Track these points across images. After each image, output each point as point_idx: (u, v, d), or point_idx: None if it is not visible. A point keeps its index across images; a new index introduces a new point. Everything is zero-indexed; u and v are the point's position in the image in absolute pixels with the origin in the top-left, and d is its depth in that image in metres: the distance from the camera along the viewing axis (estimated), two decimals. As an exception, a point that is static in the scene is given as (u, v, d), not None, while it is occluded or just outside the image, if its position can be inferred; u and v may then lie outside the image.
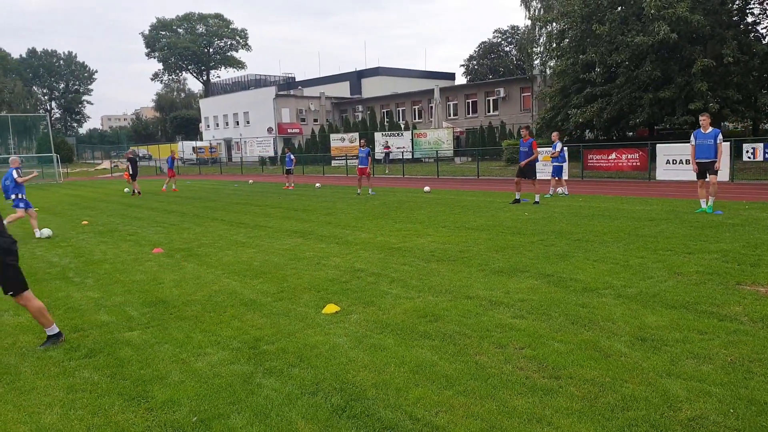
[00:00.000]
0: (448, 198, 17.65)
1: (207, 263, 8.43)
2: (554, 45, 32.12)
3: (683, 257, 7.45)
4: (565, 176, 18.64)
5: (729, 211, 11.72)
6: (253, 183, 31.03)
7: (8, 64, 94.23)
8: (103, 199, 22.48)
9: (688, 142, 12.52)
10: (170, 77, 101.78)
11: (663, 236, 9.06)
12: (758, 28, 27.93)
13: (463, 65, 72.17)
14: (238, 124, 65.65)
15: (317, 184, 26.14)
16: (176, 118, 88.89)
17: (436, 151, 37.78)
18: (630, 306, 5.42)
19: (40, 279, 7.76)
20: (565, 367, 4.08)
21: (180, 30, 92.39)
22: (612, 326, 4.88)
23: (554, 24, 31.82)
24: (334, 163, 44.57)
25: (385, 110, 57.58)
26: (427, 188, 21.18)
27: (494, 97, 48.89)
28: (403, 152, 40.53)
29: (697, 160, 11.90)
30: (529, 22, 41.37)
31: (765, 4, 27.04)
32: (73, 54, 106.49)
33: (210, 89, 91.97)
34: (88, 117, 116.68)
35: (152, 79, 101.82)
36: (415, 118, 54.66)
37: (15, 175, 12.00)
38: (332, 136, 47.87)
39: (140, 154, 68.43)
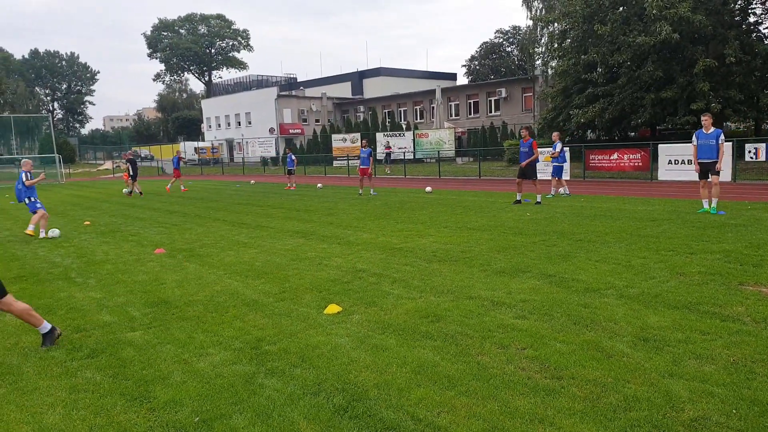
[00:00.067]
0: (450, 198, 17.65)
1: (209, 264, 8.43)
2: (556, 45, 32.10)
3: (685, 257, 7.44)
4: (566, 176, 18.63)
5: (731, 211, 11.70)
6: (254, 183, 31.05)
7: (11, 65, 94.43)
8: (105, 200, 22.51)
9: (690, 143, 12.50)
10: (172, 78, 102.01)
11: (665, 236, 9.05)
12: (760, 28, 27.89)
13: (464, 65, 72.18)
14: (239, 125, 65.69)
15: (319, 185, 26.15)
16: (178, 119, 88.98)
17: (438, 152, 37.79)
18: (632, 306, 5.41)
19: (42, 279, 7.77)
20: (567, 367, 4.07)
21: (182, 30, 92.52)
22: (614, 327, 4.88)
23: (556, 24, 31.81)
24: (335, 163, 44.59)
25: (386, 110, 57.60)
26: (428, 189, 21.18)
27: (496, 98, 48.87)
28: (404, 152, 40.54)
29: (699, 161, 11.88)
30: (530, 23, 41.42)
31: (767, 4, 27.01)
32: (76, 55, 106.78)
33: (212, 90, 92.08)
34: (90, 118, 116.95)
35: (154, 80, 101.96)
36: (416, 119, 54.66)
37: (24, 178, 12.08)
38: (334, 136, 47.90)
39: (142, 155, 68.60)
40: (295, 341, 4.87)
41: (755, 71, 26.25)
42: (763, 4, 27.10)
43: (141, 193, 23.75)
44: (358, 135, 44.37)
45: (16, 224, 14.81)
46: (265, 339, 4.95)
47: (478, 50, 70.45)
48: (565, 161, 18.09)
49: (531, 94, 46.19)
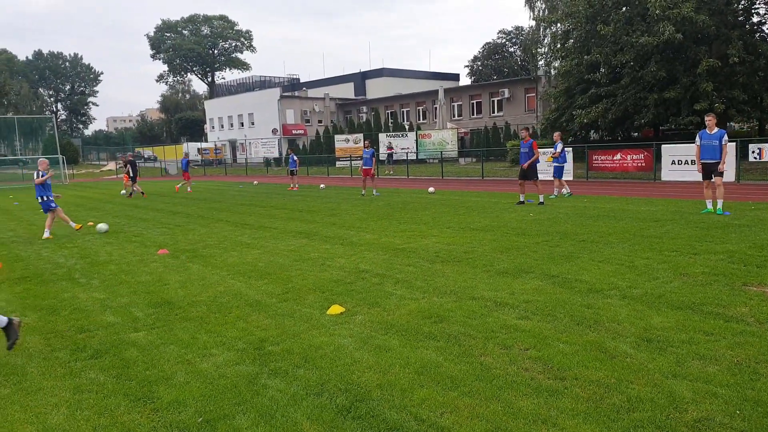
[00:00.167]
0: (453, 199, 17.64)
1: (212, 264, 8.45)
2: (559, 45, 32.08)
3: (689, 258, 7.42)
4: (568, 177, 18.60)
5: (735, 211, 11.67)
6: (257, 184, 31.09)
7: (15, 66, 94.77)
8: (109, 201, 22.56)
9: (694, 143, 12.47)
10: (175, 79, 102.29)
11: (668, 237, 9.04)
12: (764, 28, 27.85)
13: (467, 66, 72.32)
14: (242, 126, 65.81)
15: (322, 185, 26.17)
16: (181, 120, 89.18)
17: (441, 152, 37.78)
18: (635, 307, 5.40)
19: (46, 280, 7.79)
20: (571, 368, 4.07)
21: (185, 32, 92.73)
22: (617, 327, 4.87)
23: (559, 24, 31.78)
24: (338, 164, 44.62)
25: (389, 111, 57.61)
26: (431, 189, 21.18)
27: (499, 98, 48.86)
28: (407, 153, 40.55)
29: (702, 161, 11.84)
30: (533, 23, 41.34)
31: (770, 4, 26.97)
32: (79, 56, 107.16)
33: (215, 90, 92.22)
34: (94, 118, 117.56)
35: (157, 81, 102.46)
36: (419, 119, 54.67)
37: (34, 176, 12.15)
38: (337, 137, 47.96)
39: (145, 156, 68.74)
40: (298, 342, 4.87)
41: (759, 71, 26.20)
42: (766, 4, 27.05)
43: (143, 193, 23.83)
44: (360, 136, 44.39)
45: (20, 225, 14.86)
46: (268, 339, 4.95)
47: (480, 51, 70.54)
48: (565, 161, 18.06)
49: (534, 94, 46.15)
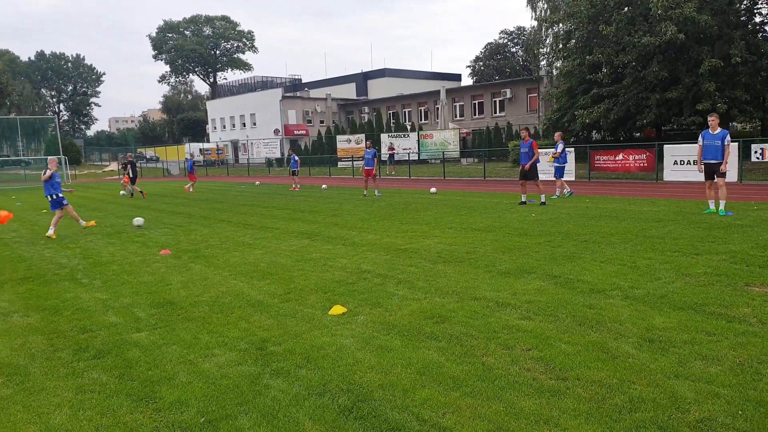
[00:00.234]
0: (455, 199, 17.64)
1: (214, 264, 8.46)
2: (561, 46, 32.06)
3: (691, 258, 7.41)
4: (570, 177, 18.58)
5: (737, 212, 11.65)
6: (259, 184, 31.11)
7: (17, 67, 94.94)
8: (111, 201, 22.59)
9: (696, 143, 12.44)
10: (177, 79, 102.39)
11: (671, 237, 9.02)
12: (766, 27, 27.78)
13: (469, 66, 72.20)
14: (244, 126, 65.88)
15: (323, 186, 26.17)
16: (183, 120, 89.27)
17: (443, 152, 37.76)
18: (637, 307, 5.40)
19: (48, 280, 7.81)
20: (573, 368, 4.07)
21: (187, 32, 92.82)
22: (619, 327, 4.87)
23: (561, 25, 31.76)
24: (340, 164, 44.63)
25: (391, 111, 57.62)
26: (433, 189, 21.17)
27: (500, 98, 48.83)
28: (409, 153, 40.56)
29: (704, 161, 11.79)
30: (535, 23, 41.39)
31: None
32: (81, 56, 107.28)
33: (217, 91, 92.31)
34: (96, 119, 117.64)
35: (159, 81, 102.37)
36: (421, 120, 54.67)
37: (44, 175, 12.28)
38: (338, 137, 47.98)
39: (147, 156, 68.85)
40: (300, 342, 4.88)
41: (761, 71, 26.16)
42: (768, 3, 27.00)
43: (142, 192, 23.94)
44: (362, 136, 44.42)
45: (23, 225, 14.89)
46: (271, 340, 4.96)
47: (482, 51, 70.48)
48: (566, 162, 18.04)
49: (536, 94, 46.13)
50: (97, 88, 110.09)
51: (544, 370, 4.07)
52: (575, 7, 28.18)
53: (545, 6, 39.41)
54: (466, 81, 70.99)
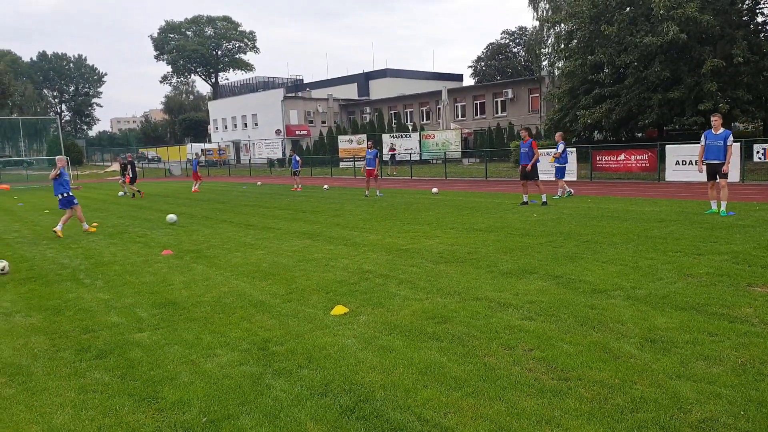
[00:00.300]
0: (457, 199, 17.64)
1: (216, 265, 8.46)
2: (562, 46, 32.06)
3: (693, 258, 7.41)
4: (572, 177, 18.55)
5: (740, 212, 11.63)
6: (261, 185, 31.13)
7: (19, 68, 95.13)
8: (113, 201, 22.62)
9: (698, 143, 12.41)
10: (179, 80, 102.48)
11: (673, 237, 9.02)
12: (768, 27, 27.76)
13: (470, 66, 72.14)
14: (246, 126, 65.93)
15: (325, 186, 26.18)
16: (185, 121, 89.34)
17: (444, 153, 37.76)
18: (639, 307, 5.40)
19: (51, 281, 7.82)
20: (575, 368, 4.07)
21: (188, 33, 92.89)
22: (621, 328, 4.86)
23: (562, 25, 31.75)
24: (341, 164, 44.64)
25: (392, 112, 57.62)
26: (435, 190, 21.17)
27: (502, 99, 48.82)
28: (410, 154, 40.54)
29: (706, 161, 11.76)
30: (537, 23, 41.33)
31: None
32: (83, 57, 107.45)
33: (218, 91, 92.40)
34: (98, 119, 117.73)
35: (161, 82, 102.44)
36: (422, 120, 54.67)
37: (52, 172, 12.44)
38: (340, 137, 47.98)
39: (149, 157, 68.92)
40: (302, 342, 4.88)
41: (763, 71, 26.12)
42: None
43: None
44: (364, 136, 44.42)
45: (25, 226, 14.92)
46: (272, 340, 4.96)
47: (484, 51, 70.42)
48: (566, 162, 18.03)
49: (537, 94, 46.11)
50: (98, 89, 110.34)
51: (546, 370, 4.07)
52: (577, 7, 28.16)
53: (547, 6, 39.36)
54: (468, 81, 71.04)
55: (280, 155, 55.78)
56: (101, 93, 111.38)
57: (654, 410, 3.42)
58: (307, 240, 10.44)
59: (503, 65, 68.72)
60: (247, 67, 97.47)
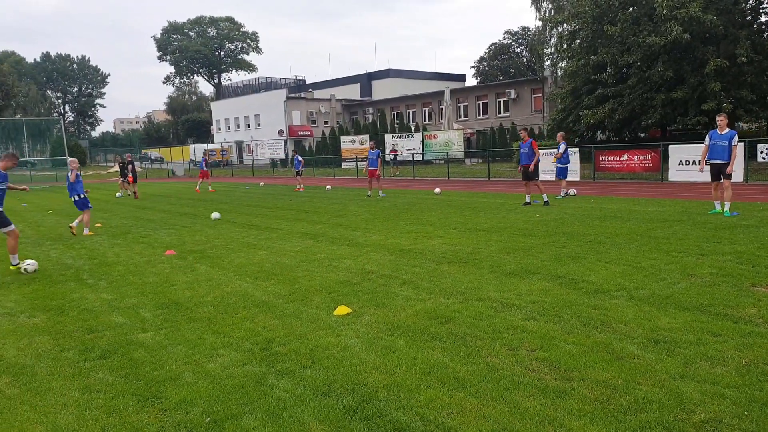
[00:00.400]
0: (459, 200, 17.63)
1: (219, 265, 8.48)
2: (565, 46, 32.00)
3: (697, 259, 7.39)
4: (575, 177, 18.52)
5: (743, 212, 11.61)
6: (264, 185, 31.16)
7: (23, 69, 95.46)
8: (116, 201, 22.67)
9: (701, 143, 12.36)
10: (182, 80, 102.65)
11: (676, 238, 9.00)
12: (772, 27, 27.68)
13: (473, 66, 72.05)
14: (249, 127, 65.99)
15: (328, 186, 26.20)
16: (188, 121, 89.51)
17: (447, 153, 37.75)
18: (643, 308, 5.39)
19: (54, 281, 7.84)
20: (578, 369, 4.06)
21: (191, 33, 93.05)
22: (624, 328, 4.86)
23: (565, 25, 31.71)
24: (344, 165, 44.66)
25: (395, 112, 57.64)
26: (437, 190, 21.17)
27: (505, 99, 48.80)
28: (413, 154, 40.54)
29: (710, 161, 11.70)
30: (539, 23, 41.31)
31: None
32: (86, 58, 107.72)
33: (221, 92, 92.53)
34: (101, 120, 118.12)
35: (164, 83, 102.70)
36: (425, 120, 54.67)
37: (70, 176, 12.66)
38: (342, 138, 48.01)
39: (152, 157, 69.04)
40: (305, 342, 4.88)
41: (767, 71, 26.03)
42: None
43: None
44: (366, 137, 44.43)
45: (28, 226, 14.96)
46: (275, 340, 4.97)
47: (486, 51, 70.36)
48: (568, 162, 18.01)
49: (540, 95, 46.08)
50: (102, 90, 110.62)
51: (549, 370, 4.07)
52: (580, 7, 28.13)
53: (550, 6, 39.33)
54: (471, 81, 71.02)
55: (282, 156, 55.84)
56: (104, 94, 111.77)
57: (657, 411, 3.41)
58: (310, 240, 10.45)
59: (506, 65, 68.66)
60: (249, 67, 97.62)
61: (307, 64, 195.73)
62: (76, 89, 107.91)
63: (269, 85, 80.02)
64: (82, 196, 12.69)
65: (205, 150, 30.51)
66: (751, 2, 26.88)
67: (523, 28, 67.95)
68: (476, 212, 13.79)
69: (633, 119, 28.27)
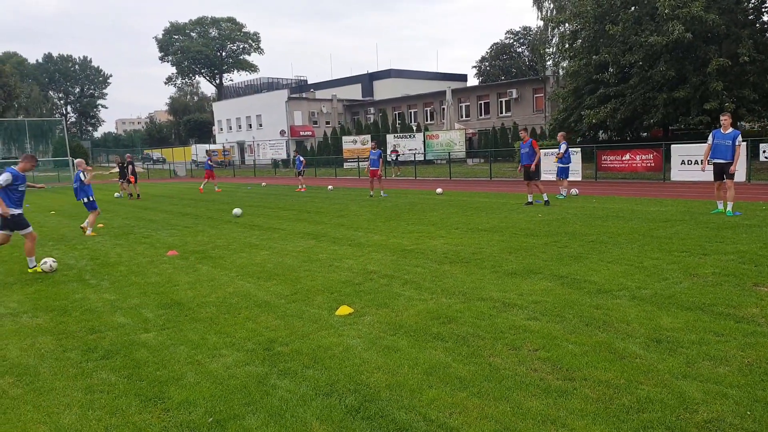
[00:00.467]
0: (461, 200, 17.63)
1: (221, 265, 8.49)
2: (567, 46, 31.97)
3: (699, 258, 7.38)
4: (575, 177, 18.50)
5: (746, 211, 11.59)
6: (265, 185, 31.18)
7: (25, 69, 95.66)
8: (117, 202, 22.70)
9: (703, 143, 12.32)
10: (183, 81, 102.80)
11: (678, 237, 8.99)
12: (774, 26, 27.62)
13: (475, 66, 71.96)
14: (250, 127, 66.03)
15: (330, 187, 26.21)
16: (190, 122, 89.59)
17: (449, 153, 37.73)
18: (645, 308, 5.38)
19: (57, 281, 7.86)
20: (580, 368, 4.06)
21: (193, 34, 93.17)
22: (627, 328, 4.85)
23: (567, 24, 31.69)
24: (346, 165, 44.67)
25: (396, 112, 57.64)
26: (439, 190, 21.16)
27: (506, 99, 48.76)
28: (415, 154, 40.53)
29: (714, 161, 11.65)
30: (541, 23, 41.36)
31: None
32: (88, 59, 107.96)
33: (223, 92, 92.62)
34: (103, 121, 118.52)
35: (166, 83, 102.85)
36: (426, 120, 54.66)
37: (82, 177, 12.67)
38: (344, 138, 48.02)
39: (154, 158, 69.14)
40: (307, 342, 4.89)
41: (769, 70, 26.00)
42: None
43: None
44: (368, 137, 44.46)
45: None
46: (278, 340, 4.98)
47: (488, 51, 70.26)
48: (569, 162, 17.99)
49: (542, 94, 46.05)
50: (104, 90, 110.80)
51: (551, 370, 4.07)
52: (581, 7, 28.10)
53: (551, 6, 39.32)
54: (472, 81, 70.94)
55: (284, 156, 55.87)
56: (106, 94, 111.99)
57: (660, 410, 3.41)
58: (312, 240, 10.45)
59: (507, 65, 68.58)
60: (251, 68, 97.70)
61: (308, 64, 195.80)
62: (78, 90, 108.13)
63: (271, 85, 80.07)
64: (91, 198, 12.76)
65: (207, 150, 30.59)
66: (753, 1, 26.84)
67: (524, 28, 67.89)
68: (478, 212, 13.79)
69: (635, 119, 28.24)
